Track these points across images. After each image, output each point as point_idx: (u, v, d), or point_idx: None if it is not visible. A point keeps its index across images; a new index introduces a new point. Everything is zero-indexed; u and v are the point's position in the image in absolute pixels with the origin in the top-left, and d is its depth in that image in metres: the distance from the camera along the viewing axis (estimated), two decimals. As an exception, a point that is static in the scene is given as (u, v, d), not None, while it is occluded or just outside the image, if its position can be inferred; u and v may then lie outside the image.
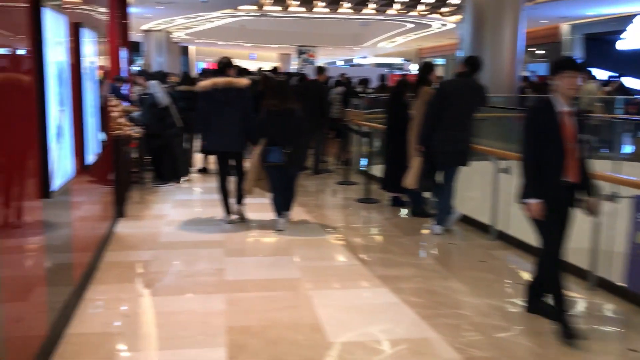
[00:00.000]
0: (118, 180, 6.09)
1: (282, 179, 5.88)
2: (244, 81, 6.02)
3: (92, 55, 4.53)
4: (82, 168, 4.07)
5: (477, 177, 6.36)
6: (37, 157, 2.97)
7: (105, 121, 5.39)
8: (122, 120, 6.73)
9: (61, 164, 3.29)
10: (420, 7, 17.51)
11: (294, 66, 36.34)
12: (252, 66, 34.18)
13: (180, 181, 8.31)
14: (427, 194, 6.62)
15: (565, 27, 20.68)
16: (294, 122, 5.79)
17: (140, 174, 8.44)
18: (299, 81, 10.05)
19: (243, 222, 6.15)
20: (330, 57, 44.37)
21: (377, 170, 7.92)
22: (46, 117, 2.99)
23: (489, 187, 5.87)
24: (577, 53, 20.30)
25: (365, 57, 42.69)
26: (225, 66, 5.99)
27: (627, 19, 17.95)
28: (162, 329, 3.59)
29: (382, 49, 37.24)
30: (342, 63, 46.77)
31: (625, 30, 17.99)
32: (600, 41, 19.25)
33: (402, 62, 38.50)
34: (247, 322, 3.69)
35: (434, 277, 4.66)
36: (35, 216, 3.01)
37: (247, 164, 6.07)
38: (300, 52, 34.40)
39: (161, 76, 10.05)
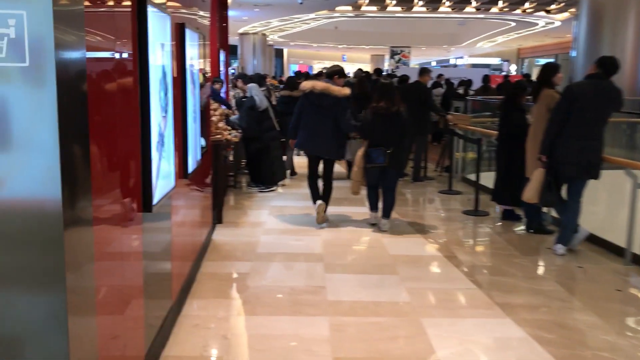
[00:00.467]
0: (216, 186, 5.93)
1: (382, 181, 5.95)
2: (343, 90, 5.92)
3: (195, 57, 4.34)
4: (183, 176, 3.87)
5: (606, 189, 5.67)
6: (138, 168, 2.75)
7: (206, 126, 5.23)
8: (222, 124, 6.58)
9: (162, 174, 3.06)
10: (525, 5, 16.48)
11: (385, 67, 35.83)
12: (347, 68, 33.98)
13: (277, 185, 8.11)
14: (545, 208, 6.00)
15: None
16: (399, 123, 5.78)
17: (236, 178, 8.33)
18: (399, 82, 9.60)
19: (329, 226, 6.06)
20: (424, 58, 43.40)
21: (486, 179, 7.31)
22: (149, 125, 2.76)
23: (622, 201, 5.17)
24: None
25: (461, 57, 41.37)
26: (333, 73, 6.10)
27: None
28: (262, 355, 3.30)
29: (479, 49, 35.89)
30: (435, 64, 45.68)
31: None
32: None
33: (500, 62, 36.91)
34: (355, 353, 3.32)
35: (563, 307, 4.08)
36: (134, 226, 2.79)
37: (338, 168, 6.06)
38: (394, 53, 33.81)
39: (259, 79, 9.94)
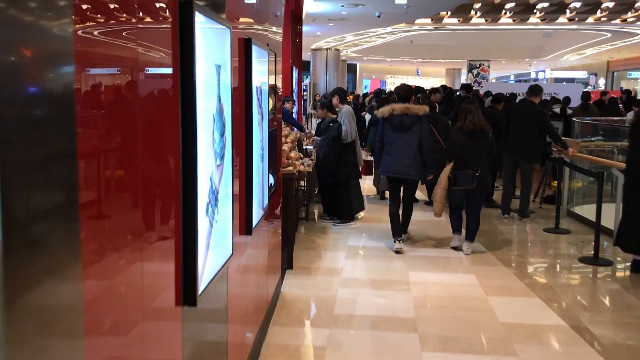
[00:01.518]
0: (287, 227, 5.09)
1: (467, 203, 5.80)
2: (422, 108, 5.86)
3: (264, 79, 3.53)
4: (245, 232, 3.03)
5: None
6: (178, 249, 1.90)
7: (275, 160, 4.40)
8: (294, 153, 5.75)
9: (214, 246, 2.21)
10: (628, 13, 14.86)
11: (463, 81, 34.37)
12: (421, 83, 32.82)
13: (355, 218, 7.19)
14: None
15: None
16: (484, 143, 5.68)
17: (308, 208, 7.49)
18: (493, 102, 8.48)
19: (417, 275, 5.06)
20: (504, 71, 41.52)
21: (606, 217, 6.09)
22: (194, 184, 1.91)
23: None
24: None
25: (542, 71, 39.18)
26: (409, 94, 6.02)
27: None
28: None
29: (564, 62, 33.73)
30: (513, 77, 43.64)
31: None
32: None
33: (587, 75, 34.59)
34: None
35: None
36: (175, 321, 1.96)
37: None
38: (472, 67, 32.26)
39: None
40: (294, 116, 9.86)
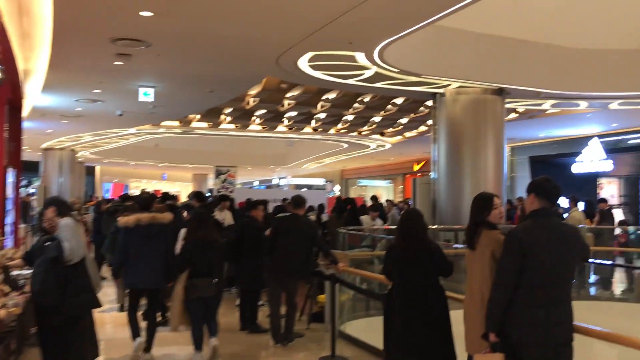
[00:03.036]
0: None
1: (204, 310, 5.78)
2: (167, 216, 6.01)
3: None
4: None
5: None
6: None
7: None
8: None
9: None
10: (364, 127, 16.06)
11: (210, 186, 34.18)
12: (167, 187, 31.49)
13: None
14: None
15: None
16: (215, 252, 5.85)
17: (19, 355, 5.46)
18: (248, 209, 7.68)
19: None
20: (249, 177, 42.66)
21: (378, 334, 5.38)
22: None
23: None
24: (521, 175, 19.59)
25: (284, 178, 41.28)
26: (149, 201, 6.20)
27: (578, 141, 17.43)
28: None
29: (304, 170, 36.00)
30: (257, 183, 45.23)
31: (579, 153, 17.37)
32: (547, 164, 18.52)
33: (324, 183, 37.34)
34: None
35: None
36: None
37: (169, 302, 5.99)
38: (219, 173, 32.25)
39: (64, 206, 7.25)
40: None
